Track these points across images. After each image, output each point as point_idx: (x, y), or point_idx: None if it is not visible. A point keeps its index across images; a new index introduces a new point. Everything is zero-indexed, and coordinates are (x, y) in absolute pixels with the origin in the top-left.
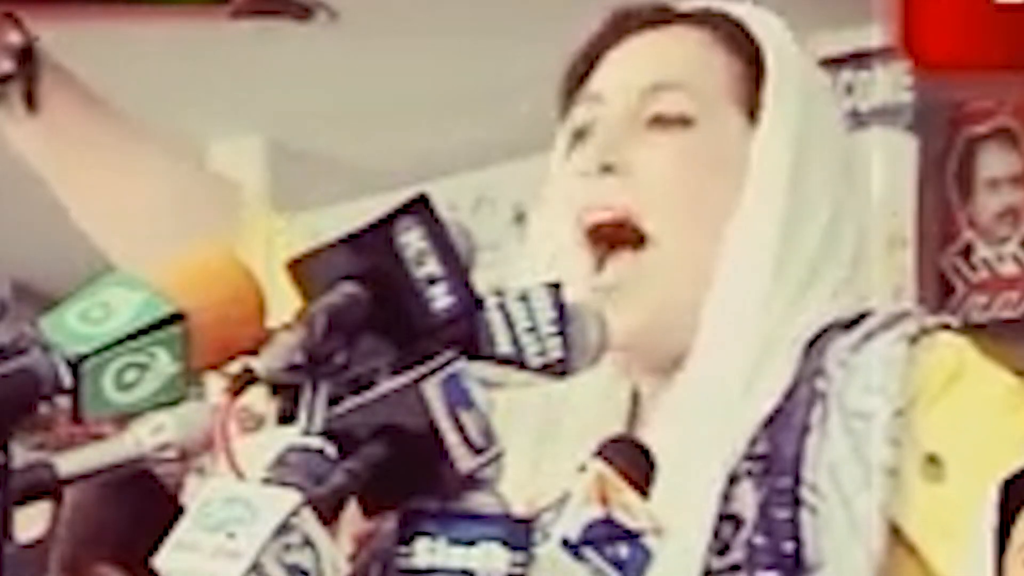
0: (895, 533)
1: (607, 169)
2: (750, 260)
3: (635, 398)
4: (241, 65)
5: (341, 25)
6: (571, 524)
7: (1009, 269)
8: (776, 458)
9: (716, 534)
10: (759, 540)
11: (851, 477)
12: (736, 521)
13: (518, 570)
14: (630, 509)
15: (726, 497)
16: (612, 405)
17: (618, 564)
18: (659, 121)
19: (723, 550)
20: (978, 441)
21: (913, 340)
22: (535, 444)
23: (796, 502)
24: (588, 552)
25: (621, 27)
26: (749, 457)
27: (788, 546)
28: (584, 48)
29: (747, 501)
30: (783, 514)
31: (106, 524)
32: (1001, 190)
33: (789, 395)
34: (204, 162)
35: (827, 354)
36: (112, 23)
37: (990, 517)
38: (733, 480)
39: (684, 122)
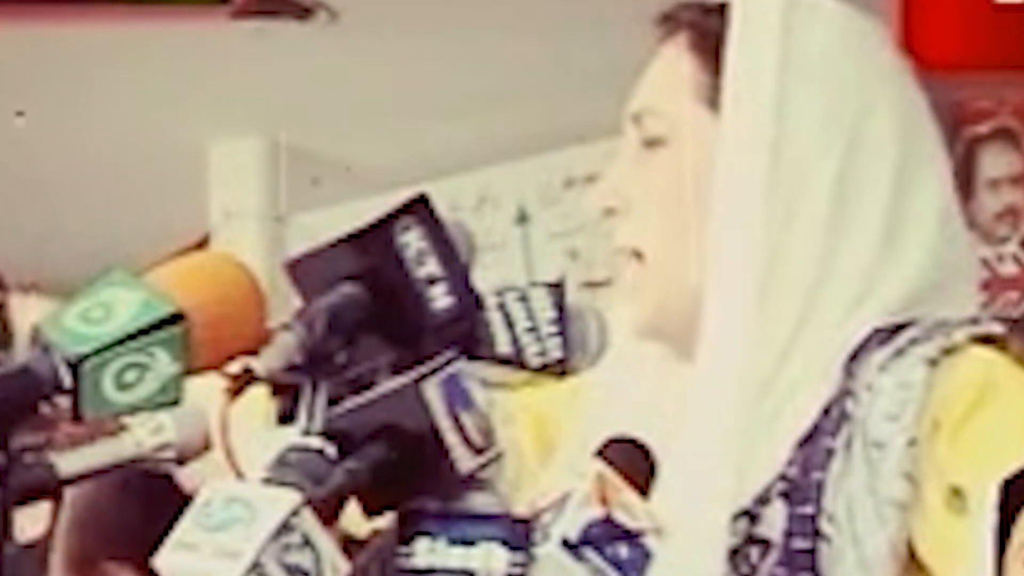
0: (921, 569)
1: (609, 212)
2: (736, 258)
3: None
4: (241, 65)
5: (341, 25)
6: (571, 524)
7: (1009, 269)
8: (802, 483)
9: (747, 558)
10: (779, 571)
11: (863, 510)
12: (765, 545)
13: (518, 570)
14: (630, 509)
15: (757, 519)
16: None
17: (618, 564)
18: (648, 145)
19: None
20: (1002, 472)
21: (933, 362)
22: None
23: (816, 532)
24: (588, 552)
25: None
26: (783, 478)
27: None
28: None
29: (775, 524)
30: (802, 544)
31: (118, 522)
32: (1001, 190)
33: (825, 414)
34: (204, 163)
35: (859, 373)
36: (112, 23)
37: (990, 517)
38: (764, 501)
39: (660, 142)
